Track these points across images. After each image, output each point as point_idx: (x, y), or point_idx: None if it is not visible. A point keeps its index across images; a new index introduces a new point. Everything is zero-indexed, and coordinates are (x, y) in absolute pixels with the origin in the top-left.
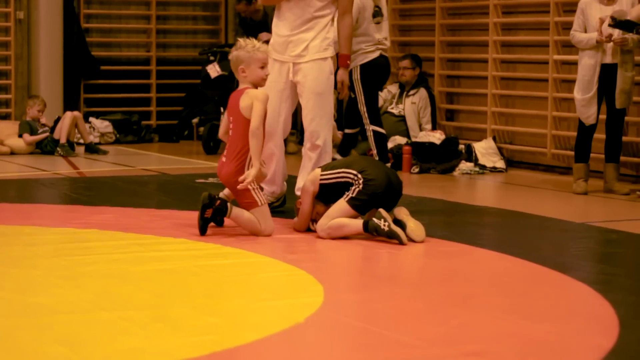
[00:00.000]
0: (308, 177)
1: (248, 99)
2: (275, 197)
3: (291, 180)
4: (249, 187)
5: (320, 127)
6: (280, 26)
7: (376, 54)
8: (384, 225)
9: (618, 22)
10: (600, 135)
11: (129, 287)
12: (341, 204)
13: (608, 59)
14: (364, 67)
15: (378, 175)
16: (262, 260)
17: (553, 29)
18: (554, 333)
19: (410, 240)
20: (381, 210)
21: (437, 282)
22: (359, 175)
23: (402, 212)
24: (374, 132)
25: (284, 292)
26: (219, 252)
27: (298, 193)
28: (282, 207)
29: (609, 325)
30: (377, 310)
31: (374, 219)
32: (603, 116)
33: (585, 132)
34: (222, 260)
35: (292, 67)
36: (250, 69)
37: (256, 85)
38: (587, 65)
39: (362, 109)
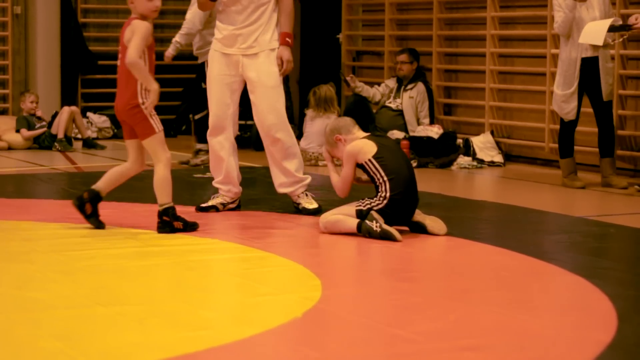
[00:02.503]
0: (355, 145)
1: (130, 32)
2: (232, 198)
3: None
4: (146, 114)
5: (278, 119)
6: (225, 21)
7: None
8: (376, 226)
9: (616, 27)
10: (593, 129)
11: (125, 282)
12: (350, 210)
13: (588, 53)
14: (201, 66)
15: (404, 203)
16: (259, 254)
17: (550, 23)
18: (552, 327)
19: (434, 235)
20: (373, 212)
21: (435, 277)
22: (388, 195)
23: (415, 214)
24: (198, 119)
25: (281, 287)
26: (216, 247)
27: (280, 190)
28: (238, 209)
29: (607, 319)
30: (374, 305)
31: (367, 221)
32: (589, 110)
33: (566, 127)
34: (219, 255)
35: (242, 60)
36: (138, 1)
37: (145, 16)
38: (568, 59)
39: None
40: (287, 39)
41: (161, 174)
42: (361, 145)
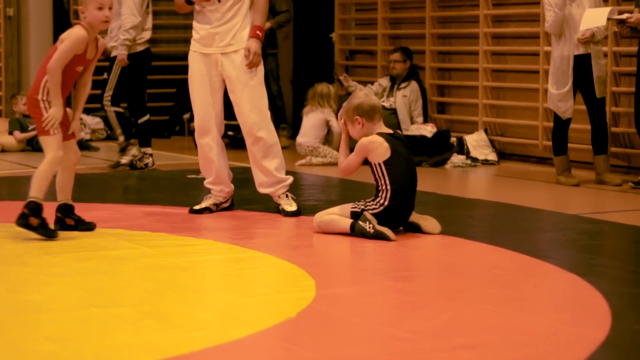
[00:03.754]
0: (371, 142)
1: (65, 36)
2: (224, 197)
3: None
4: (43, 111)
5: (260, 118)
6: (202, 20)
7: (144, 45)
8: (369, 227)
9: (613, 19)
10: (587, 126)
11: (120, 284)
12: (345, 210)
13: (580, 50)
14: (130, 57)
15: (400, 211)
16: (253, 255)
17: (543, 20)
18: (546, 325)
19: (428, 234)
20: (366, 213)
21: (429, 275)
22: (386, 203)
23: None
24: (116, 112)
25: (275, 287)
26: (211, 247)
27: (261, 190)
28: (231, 208)
29: (601, 317)
30: (369, 304)
31: (360, 222)
32: (582, 107)
33: (561, 125)
34: (214, 255)
35: (220, 59)
36: (88, 10)
37: (93, 26)
38: (561, 58)
39: (107, 95)
40: (258, 31)
41: (42, 169)
42: (377, 145)
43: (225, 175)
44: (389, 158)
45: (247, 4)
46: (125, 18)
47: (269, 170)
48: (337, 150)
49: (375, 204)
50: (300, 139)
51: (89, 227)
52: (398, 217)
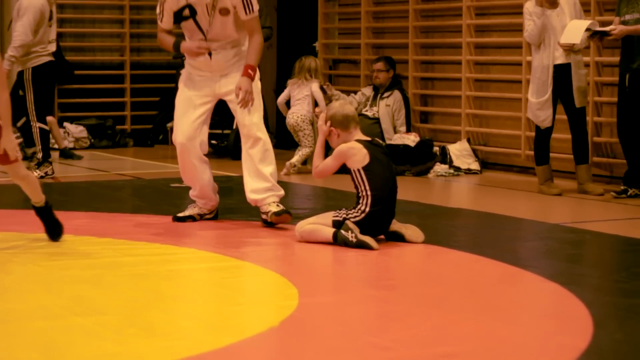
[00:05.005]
0: (350, 148)
1: None
2: (209, 210)
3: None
4: None
5: (259, 119)
6: (195, 65)
7: (49, 57)
8: (352, 236)
9: (594, 32)
10: (568, 136)
11: (103, 292)
12: (327, 220)
13: (560, 60)
14: (35, 69)
15: (381, 218)
16: (236, 264)
17: None
18: (528, 334)
19: (411, 243)
20: (348, 222)
21: (411, 284)
22: (367, 210)
23: (391, 223)
24: (40, 129)
25: (258, 296)
26: (193, 256)
27: (251, 197)
28: (215, 219)
29: (582, 326)
30: (351, 313)
31: (342, 231)
32: (564, 117)
33: (542, 134)
34: (196, 264)
35: (219, 80)
36: None
37: None
38: (541, 67)
39: (31, 107)
40: (250, 70)
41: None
42: (356, 151)
43: (210, 189)
44: (368, 164)
45: (244, 48)
46: (17, 36)
47: (265, 175)
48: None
49: (357, 211)
50: (289, 116)
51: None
52: (379, 224)
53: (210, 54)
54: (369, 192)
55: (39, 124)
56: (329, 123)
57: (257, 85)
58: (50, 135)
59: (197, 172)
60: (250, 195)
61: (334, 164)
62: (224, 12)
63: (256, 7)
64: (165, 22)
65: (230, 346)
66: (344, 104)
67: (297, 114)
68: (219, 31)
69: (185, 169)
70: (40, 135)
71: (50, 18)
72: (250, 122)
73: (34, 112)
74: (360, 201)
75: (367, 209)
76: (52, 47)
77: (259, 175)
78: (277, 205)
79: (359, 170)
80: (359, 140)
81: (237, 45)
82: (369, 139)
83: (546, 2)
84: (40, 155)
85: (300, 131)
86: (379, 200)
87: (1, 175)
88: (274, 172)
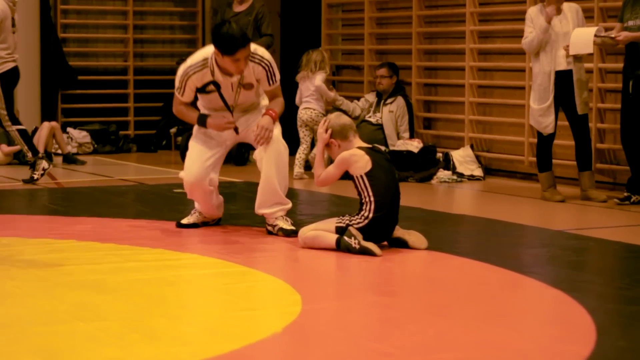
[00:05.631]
0: (352, 155)
1: None
2: (212, 220)
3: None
4: None
5: (279, 133)
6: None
7: (13, 63)
8: (355, 243)
9: (600, 37)
10: (571, 143)
11: (106, 298)
12: (330, 226)
13: (562, 66)
14: (2, 75)
15: (384, 224)
16: (239, 270)
17: None
18: (531, 340)
19: (414, 249)
20: (351, 228)
21: (414, 291)
22: (370, 216)
23: (394, 230)
24: (19, 130)
25: (261, 302)
26: (197, 262)
27: (259, 211)
28: (218, 222)
29: (585, 333)
30: (354, 319)
31: (345, 237)
32: (567, 123)
33: (544, 141)
34: (200, 270)
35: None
36: None
37: None
38: (543, 73)
39: (3, 112)
40: (271, 111)
41: None
42: (358, 158)
43: (215, 208)
44: (370, 170)
45: (260, 109)
46: None
47: (276, 188)
48: None
49: (360, 217)
50: (301, 110)
51: None
52: (383, 230)
53: (236, 130)
54: (372, 198)
55: (15, 127)
56: (329, 131)
57: (277, 127)
58: (54, 141)
59: (204, 199)
60: (259, 210)
61: (337, 171)
62: (249, 86)
63: (278, 76)
64: (187, 96)
65: (233, 352)
66: (339, 115)
67: (310, 110)
68: (242, 102)
69: (192, 196)
70: (21, 136)
71: (13, 25)
72: (274, 135)
73: (7, 117)
74: (364, 207)
75: (371, 215)
76: (17, 54)
77: (272, 190)
78: (286, 220)
79: (361, 176)
80: (360, 147)
81: (257, 106)
82: (369, 145)
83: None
84: (30, 154)
85: (316, 126)
86: (382, 206)
87: (2, 181)
88: (285, 185)
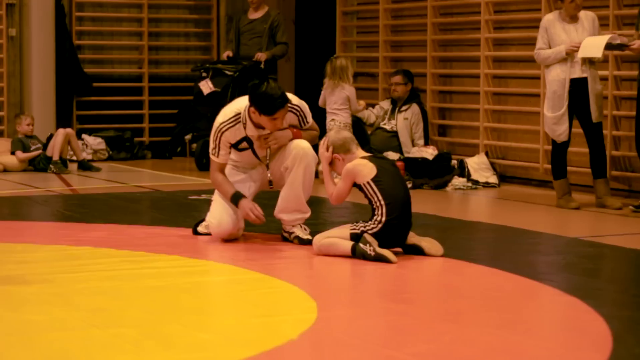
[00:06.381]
0: (356, 165)
1: None
2: None
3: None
4: None
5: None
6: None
7: None
8: (370, 250)
9: (612, 45)
10: (587, 150)
11: (121, 305)
12: (345, 233)
13: (576, 74)
14: None
15: (399, 227)
16: (255, 276)
17: None
18: (546, 348)
19: (429, 256)
20: (366, 235)
21: (430, 298)
22: (384, 220)
23: (409, 236)
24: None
25: (277, 309)
26: (212, 269)
27: (279, 215)
28: None
29: (601, 340)
30: (370, 326)
31: (360, 244)
32: (581, 130)
33: (559, 148)
34: (215, 277)
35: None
36: None
37: None
38: (557, 81)
39: None
40: (297, 132)
41: None
42: (361, 167)
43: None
44: (376, 175)
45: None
46: None
47: (301, 196)
48: None
49: (373, 222)
50: (331, 118)
51: None
52: (397, 234)
53: (270, 182)
54: (382, 202)
55: None
56: (330, 149)
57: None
58: (69, 147)
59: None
60: (279, 215)
61: (346, 185)
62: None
63: (310, 116)
64: (222, 156)
65: (249, 359)
66: (339, 130)
67: (337, 121)
68: (275, 151)
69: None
70: None
71: None
72: (305, 146)
73: None
74: (376, 212)
75: (384, 219)
76: None
77: (296, 197)
78: (304, 230)
79: (368, 183)
80: (362, 157)
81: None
82: (370, 154)
83: (567, 16)
84: None
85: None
86: (393, 209)
87: (18, 187)
88: (308, 195)
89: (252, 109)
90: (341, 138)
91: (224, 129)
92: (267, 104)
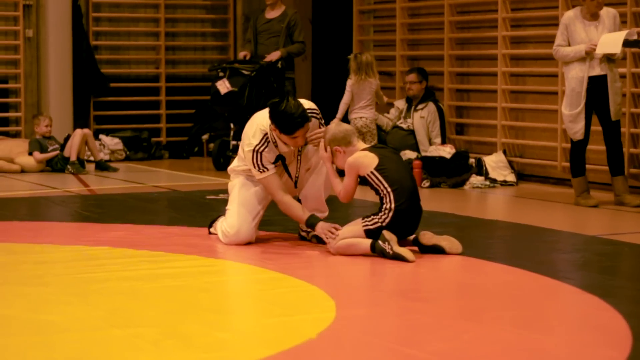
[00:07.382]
0: (357, 158)
1: None
2: None
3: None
4: None
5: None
6: None
7: None
8: (388, 249)
9: (630, 42)
10: (604, 147)
11: (140, 304)
12: (357, 230)
13: (596, 71)
14: None
15: (409, 214)
16: (273, 276)
17: None
18: (566, 346)
19: (448, 254)
20: (385, 232)
21: (448, 296)
22: (392, 206)
23: (427, 237)
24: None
25: (295, 308)
26: (230, 268)
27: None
28: None
29: (621, 338)
30: (388, 325)
31: (379, 241)
32: (600, 128)
33: (577, 146)
34: (233, 276)
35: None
36: None
37: None
38: (576, 78)
39: None
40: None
41: None
42: (362, 158)
43: None
44: (378, 164)
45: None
46: None
47: (322, 196)
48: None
49: (383, 212)
50: (354, 115)
51: None
52: (409, 221)
53: (296, 184)
54: (388, 189)
55: None
56: (329, 148)
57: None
58: (86, 148)
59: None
60: None
61: (351, 179)
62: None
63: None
64: (271, 168)
65: (268, 358)
66: (339, 124)
67: (364, 118)
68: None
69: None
70: None
71: None
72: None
73: None
74: (384, 200)
75: (393, 205)
76: None
77: (317, 194)
78: None
79: (372, 172)
80: (363, 149)
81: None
82: (368, 145)
83: (588, 14)
84: None
85: (368, 132)
86: (400, 194)
87: (35, 188)
88: (327, 195)
89: (272, 126)
90: (342, 130)
91: (261, 149)
92: (287, 124)
